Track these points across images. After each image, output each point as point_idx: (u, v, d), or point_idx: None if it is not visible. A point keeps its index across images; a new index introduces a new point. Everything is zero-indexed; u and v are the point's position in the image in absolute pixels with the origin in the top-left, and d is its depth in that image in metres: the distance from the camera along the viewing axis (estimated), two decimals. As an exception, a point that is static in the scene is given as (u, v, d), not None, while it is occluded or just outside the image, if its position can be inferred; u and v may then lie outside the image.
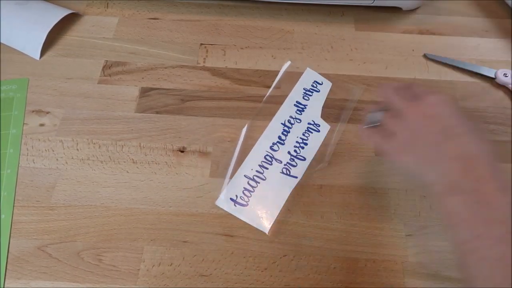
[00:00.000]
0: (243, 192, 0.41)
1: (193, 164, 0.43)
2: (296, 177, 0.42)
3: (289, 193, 0.41)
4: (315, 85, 0.47)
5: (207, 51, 0.51)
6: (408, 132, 0.32)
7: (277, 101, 0.46)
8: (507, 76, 0.47)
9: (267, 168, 0.42)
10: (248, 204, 0.40)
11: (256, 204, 0.40)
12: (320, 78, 0.48)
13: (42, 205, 0.40)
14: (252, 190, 0.41)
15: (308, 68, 0.49)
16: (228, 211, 0.40)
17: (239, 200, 0.40)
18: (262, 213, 0.40)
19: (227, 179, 0.41)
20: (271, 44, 0.51)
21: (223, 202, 0.40)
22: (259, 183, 0.41)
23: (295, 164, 0.42)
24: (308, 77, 0.48)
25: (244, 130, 0.44)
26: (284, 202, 0.40)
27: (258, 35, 0.52)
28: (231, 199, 0.40)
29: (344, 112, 0.46)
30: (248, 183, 0.41)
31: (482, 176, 0.28)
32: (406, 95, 0.33)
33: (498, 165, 0.29)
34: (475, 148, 0.29)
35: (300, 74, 0.49)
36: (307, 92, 0.47)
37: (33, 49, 0.49)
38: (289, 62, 0.49)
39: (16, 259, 0.38)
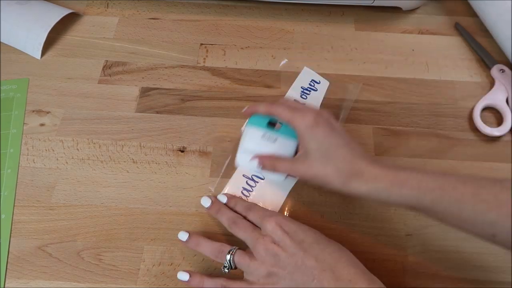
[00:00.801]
0: (242, 192, 0.41)
1: (193, 164, 0.43)
2: (295, 177, 0.42)
3: (287, 192, 0.41)
4: (312, 84, 0.47)
5: (207, 51, 0.51)
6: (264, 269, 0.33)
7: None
8: (503, 72, 0.47)
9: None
10: None
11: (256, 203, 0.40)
12: (317, 77, 0.48)
13: (42, 204, 0.40)
14: (251, 190, 0.41)
15: (305, 67, 0.49)
16: None
17: None
18: None
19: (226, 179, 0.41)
20: (271, 44, 0.51)
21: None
22: (257, 182, 0.41)
23: None
24: (306, 76, 0.48)
25: (242, 128, 0.44)
26: (283, 201, 0.40)
27: (258, 35, 0.52)
28: None
29: (343, 111, 0.46)
30: (246, 182, 0.41)
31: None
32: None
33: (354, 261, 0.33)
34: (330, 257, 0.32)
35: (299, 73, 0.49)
36: (305, 91, 0.47)
37: (34, 48, 0.49)
38: (285, 60, 0.49)
39: (16, 259, 0.38)
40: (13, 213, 0.40)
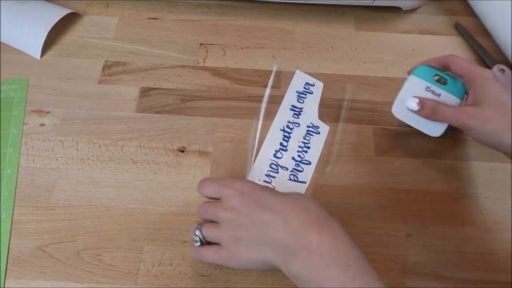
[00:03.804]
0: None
1: (193, 164, 0.43)
2: (305, 182, 0.41)
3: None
4: (307, 87, 0.47)
5: (207, 51, 0.51)
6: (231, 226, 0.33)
7: (277, 101, 0.47)
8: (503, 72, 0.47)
9: (274, 177, 0.42)
10: None
11: None
12: (311, 80, 0.48)
13: (42, 205, 0.40)
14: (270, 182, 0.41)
15: (297, 71, 0.48)
16: None
17: None
18: None
19: None
20: (271, 44, 0.51)
21: None
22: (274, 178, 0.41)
23: (301, 169, 0.42)
24: (299, 79, 0.48)
25: (257, 133, 0.44)
26: None
27: (258, 35, 0.52)
28: None
29: (342, 111, 0.46)
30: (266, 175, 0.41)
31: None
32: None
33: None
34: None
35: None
36: (300, 94, 0.47)
37: (34, 48, 0.49)
38: (275, 66, 0.48)
39: (16, 259, 0.38)
40: (13, 213, 0.40)
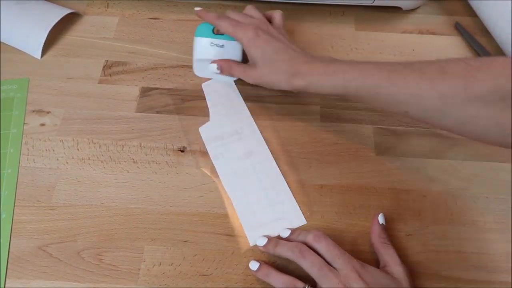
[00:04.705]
0: None
1: (194, 164, 0.43)
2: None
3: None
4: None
5: (207, 51, 0.51)
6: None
7: (277, 101, 0.47)
8: None
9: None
10: None
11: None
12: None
13: (43, 204, 0.40)
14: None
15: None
16: None
17: None
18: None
19: None
20: (271, 44, 0.51)
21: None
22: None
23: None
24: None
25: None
26: None
27: (258, 35, 0.52)
28: None
29: (342, 111, 0.46)
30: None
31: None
32: None
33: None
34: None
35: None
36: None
37: (34, 48, 0.49)
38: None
39: (16, 259, 0.38)
40: (13, 213, 0.40)
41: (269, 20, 0.45)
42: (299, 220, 0.40)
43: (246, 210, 0.40)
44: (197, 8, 0.45)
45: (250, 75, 0.42)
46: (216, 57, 0.45)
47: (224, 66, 0.44)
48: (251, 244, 0.38)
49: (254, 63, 0.41)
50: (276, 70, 0.40)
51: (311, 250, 0.35)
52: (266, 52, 0.40)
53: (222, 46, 0.45)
